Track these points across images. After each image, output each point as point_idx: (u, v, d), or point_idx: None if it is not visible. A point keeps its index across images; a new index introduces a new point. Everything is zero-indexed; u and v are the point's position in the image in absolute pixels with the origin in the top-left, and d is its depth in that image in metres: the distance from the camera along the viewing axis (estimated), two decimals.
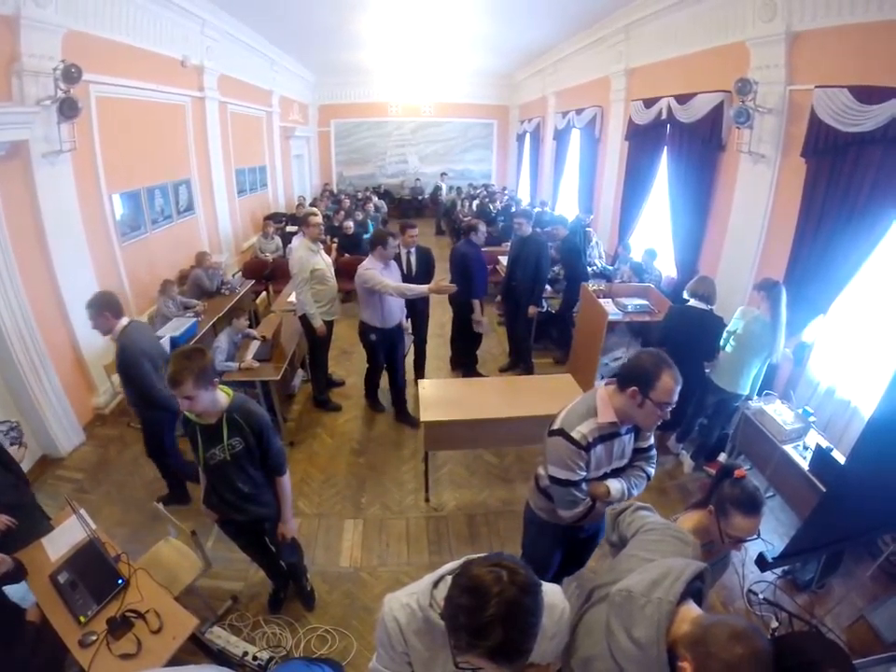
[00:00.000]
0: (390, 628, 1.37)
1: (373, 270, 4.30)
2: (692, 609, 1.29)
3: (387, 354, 4.83)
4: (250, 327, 5.18)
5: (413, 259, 5.06)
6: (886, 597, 3.11)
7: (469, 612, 1.08)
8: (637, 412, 2.04)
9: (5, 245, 3.87)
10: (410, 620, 1.36)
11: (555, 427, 2.16)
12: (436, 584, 1.37)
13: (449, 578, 1.33)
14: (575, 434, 2.08)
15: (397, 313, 4.65)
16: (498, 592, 1.07)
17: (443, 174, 15.56)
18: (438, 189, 15.11)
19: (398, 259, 4.84)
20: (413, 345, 5.48)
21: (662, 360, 1.97)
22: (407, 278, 4.79)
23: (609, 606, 1.38)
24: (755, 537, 1.78)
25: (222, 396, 2.36)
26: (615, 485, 2.22)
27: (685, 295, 4.21)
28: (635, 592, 1.32)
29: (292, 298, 6.12)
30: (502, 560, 1.15)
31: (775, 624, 2.12)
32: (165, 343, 4.62)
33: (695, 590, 1.35)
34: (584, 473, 2.14)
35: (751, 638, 1.12)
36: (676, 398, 1.97)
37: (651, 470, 2.35)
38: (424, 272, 5.08)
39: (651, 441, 2.38)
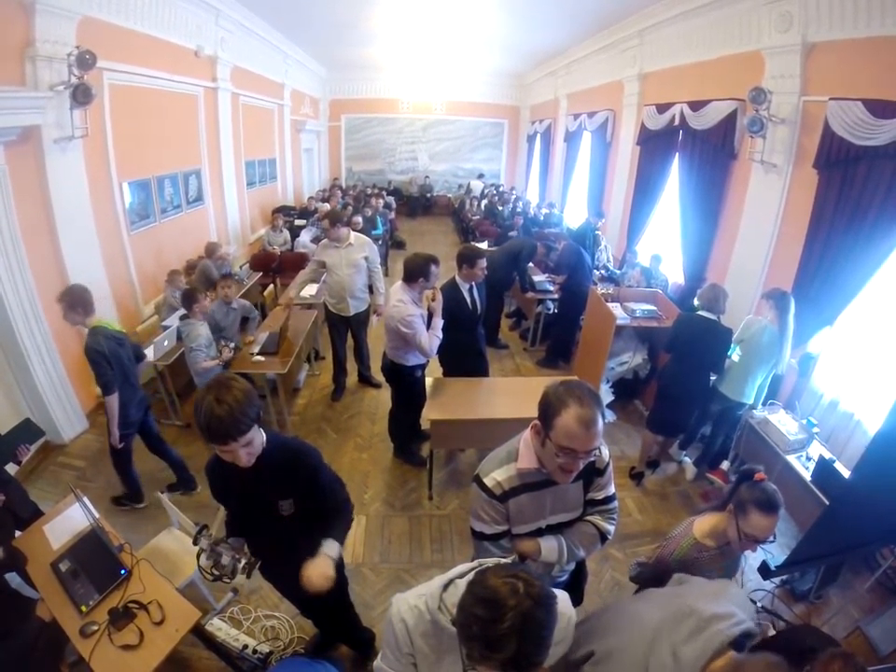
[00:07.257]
0: (397, 630, 1.36)
1: (415, 317, 3.58)
2: (731, 652, 1.33)
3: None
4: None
5: (476, 294, 4.12)
6: (882, 610, 3.11)
7: (484, 624, 1.06)
8: (542, 453, 1.67)
9: (14, 230, 3.87)
10: (417, 622, 1.35)
11: (476, 471, 1.88)
12: (445, 587, 1.36)
13: (459, 581, 1.33)
14: (488, 481, 1.78)
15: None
16: (514, 605, 1.05)
17: (465, 180, 15.32)
18: (468, 190, 15.01)
19: (459, 296, 3.99)
20: None
21: (572, 394, 1.55)
22: (472, 315, 4.13)
23: (671, 615, 1.42)
24: (771, 539, 1.84)
25: None
26: (548, 544, 1.84)
27: (695, 303, 4.17)
28: (702, 615, 1.36)
29: (301, 291, 6.14)
30: (518, 570, 1.14)
31: (772, 633, 2.13)
32: (171, 333, 4.65)
33: (739, 642, 1.39)
34: (502, 528, 1.81)
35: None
36: (586, 446, 1.54)
37: (610, 527, 1.90)
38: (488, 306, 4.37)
39: (611, 490, 1.91)
